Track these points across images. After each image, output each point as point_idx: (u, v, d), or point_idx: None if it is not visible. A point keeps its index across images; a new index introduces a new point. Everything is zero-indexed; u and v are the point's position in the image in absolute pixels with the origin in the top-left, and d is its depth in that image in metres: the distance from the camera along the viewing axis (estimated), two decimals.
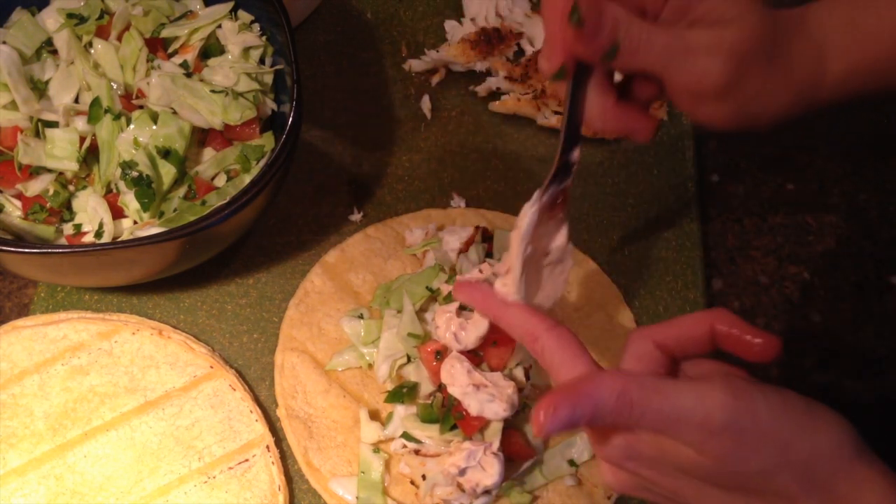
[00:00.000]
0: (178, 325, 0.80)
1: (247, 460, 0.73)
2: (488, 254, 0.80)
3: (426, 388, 0.72)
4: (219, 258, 0.79)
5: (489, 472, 0.68)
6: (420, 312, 0.75)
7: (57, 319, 0.78)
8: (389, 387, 0.74)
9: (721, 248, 0.90)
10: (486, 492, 0.70)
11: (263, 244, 0.85)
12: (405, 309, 0.74)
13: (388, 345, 0.75)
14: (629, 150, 0.92)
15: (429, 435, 0.71)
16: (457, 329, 0.71)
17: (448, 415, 0.70)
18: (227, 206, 0.67)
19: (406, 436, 0.71)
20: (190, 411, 0.74)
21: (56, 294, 0.81)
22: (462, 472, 0.69)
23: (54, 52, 0.80)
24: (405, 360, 0.74)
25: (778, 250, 0.90)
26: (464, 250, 0.79)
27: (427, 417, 0.71)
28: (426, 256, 0.81)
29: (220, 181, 0.78)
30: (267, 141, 0.78)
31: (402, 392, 0.72)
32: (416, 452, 0.72)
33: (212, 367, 0.76)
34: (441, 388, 0.71)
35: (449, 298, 0.73)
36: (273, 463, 0.73)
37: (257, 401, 0.77)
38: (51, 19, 0.80)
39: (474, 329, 0.70)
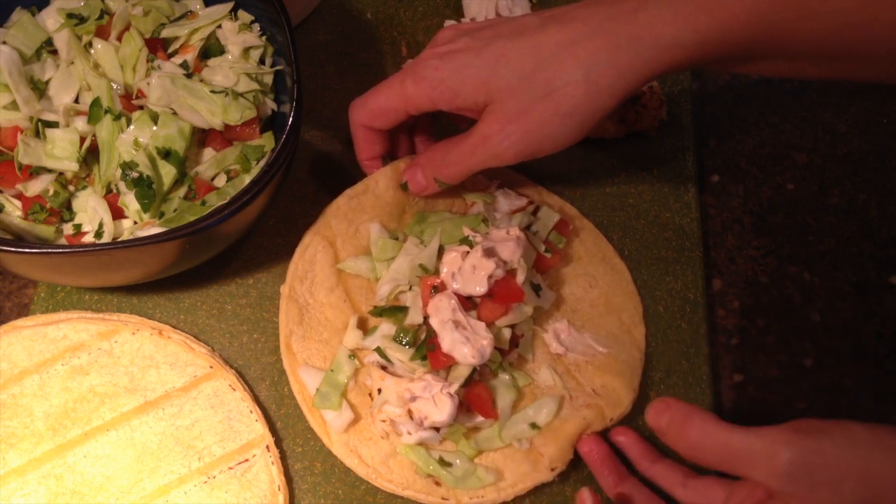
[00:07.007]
0: (178, 325, 0.80)
1: (247, 460, 0.73)
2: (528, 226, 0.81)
3: (415, 317, 0.74)
4: (219, 258, 0.79)
5: (440, 409, 0.69)
6: (440, 253, 0.76)
7: (57, 319, 0.78)
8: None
9: (721, 248, 0.90)
10: (435, 429, 0.71)
11: (263, 244, 0.85)
12: (431, 245, 0.76)
13: (399, 268, 0.76)
14: (629, 150, 0.92)
15: (399, 357, 0.73)
16: (457, 271, 0.72)
17: (423, 344, 0.72)
18: (227, 206, 0.67)
19: (379, 351, 0.73)
20: (190, 411, 0.74)
21: (56, 294, 0.81)
22: (413, 399, 0.70)
23: (54, 52, 0.80)
24: (407, 288, 0.76)
25: (778, 250, 0.90)
26: (509, 214, 0.81)
27: (401, 339, 0.72)
28: (474, 206, 0.82)
29: (220, 181, 0.78)
30: (267, 141, 0.78)
31: (388, 310, 0.74)
32: (383, 368, 0.74)
33: (212, 367, 0.76)
34: (426, 321, 0.73)
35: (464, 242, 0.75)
36: (273, 463, 0.73)
37: (257, 401, 0.77)
38: (51, 19, 0.80)
39: (475, 283, 0.72)
